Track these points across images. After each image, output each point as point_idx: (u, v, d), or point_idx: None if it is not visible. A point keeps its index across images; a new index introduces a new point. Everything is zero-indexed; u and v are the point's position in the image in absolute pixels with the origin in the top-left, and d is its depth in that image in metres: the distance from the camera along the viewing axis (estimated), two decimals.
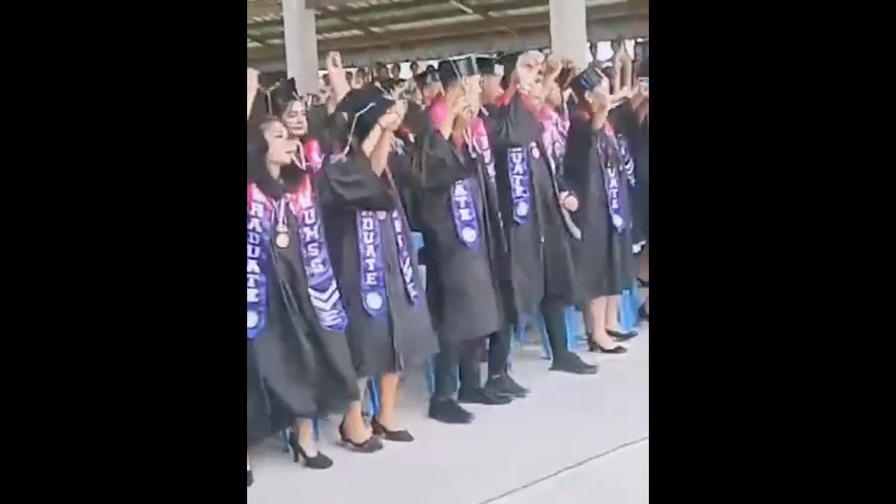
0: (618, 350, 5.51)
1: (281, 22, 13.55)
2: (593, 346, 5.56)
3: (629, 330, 5.80)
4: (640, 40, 12.15)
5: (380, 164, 4.16)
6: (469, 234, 4.55)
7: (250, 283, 3.76)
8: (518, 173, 4.96)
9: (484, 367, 4.94)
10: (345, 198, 4.03)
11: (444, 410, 4.63)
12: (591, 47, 12.00)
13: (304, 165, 4.10)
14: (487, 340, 4.94)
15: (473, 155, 4.61)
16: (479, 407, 4.70)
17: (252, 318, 3.77)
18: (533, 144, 5.03)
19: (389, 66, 14.38)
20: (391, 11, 14.66)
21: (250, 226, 3.79)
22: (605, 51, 12.50)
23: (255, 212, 3.82)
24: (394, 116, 4.13)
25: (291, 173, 3.96)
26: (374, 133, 4.10)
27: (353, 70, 15.34)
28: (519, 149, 4.95)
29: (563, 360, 5.26)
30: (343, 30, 15.41)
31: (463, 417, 4.59)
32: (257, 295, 3.80)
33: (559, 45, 10.63)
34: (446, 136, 4.47)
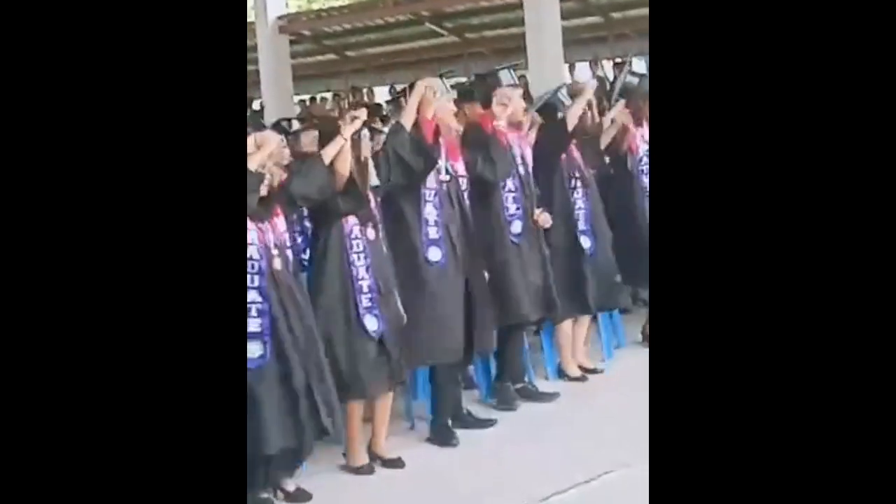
0: (582, 378, 5.40)
1: (255, 48, 13.43)
2: (560, 372, 5.46)
3: (608, 356, 5.75)
4: (617, 60, 12.15)
5: (344, 170, 4.11)
6: (434, 254, 4.45)
7: (252, 312, 3.65)
8: (511, 190, 4.92)
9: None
10: (294, 194, 4.00)
11: (435, 434, 4.59)
12: (569, 68, 11.98)
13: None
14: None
15: (447, 177, 4.54)
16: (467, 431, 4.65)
17: (256, 349, 3.65)
18: (519, 162, 5.00)
19: (365, 90, 14.31)
20: (366, 35, 14.59)
21: (248, 254, 3.67)
22: (583, 71, 12.48)
23: (250, 239, 3.70)
24: (356, 124, 4.11)
25: (264, 202, 3.86)
26: (336, 141, 4.08)
27: (329, 95, 15.31)
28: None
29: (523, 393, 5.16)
30: (318, 54, 15.32)
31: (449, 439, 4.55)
32: (260, 325, 3.68)
33: (536, 67, 10.59)
34: (408, 130, 4.38)
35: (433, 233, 4.46)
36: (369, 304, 4.11)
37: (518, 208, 4.92)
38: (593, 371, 5.54)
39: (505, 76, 4.90)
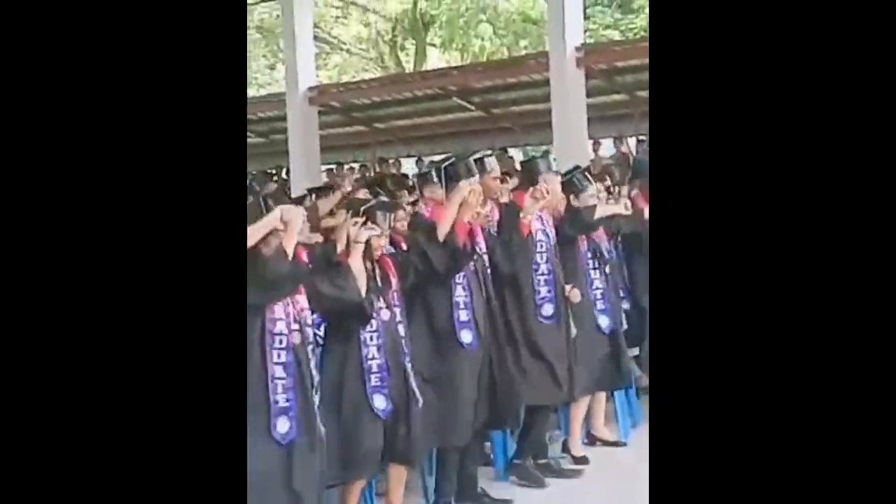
0: (583, 460, 5.37)
1: (284, 118, 13.66)
2: (566, 450, 5.46)
3: (624, 435, 5.72)
4: (641, 138, 12.23)
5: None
6: (466, 336, 4.49)
7: (279, 388, 3.59)
8: (543, 273, 4.94)
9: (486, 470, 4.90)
10: (324, 307, 3.99)
11: None
12: (593, 144, 12.06)
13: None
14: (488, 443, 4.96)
15: (475, 257, 4.57)
16: None
17: (283, 425, 3.59)
18: (554, 244, 5.03)
19: (391, 161, 14.47)
20: (394, 108, 14.78)
21: (275, 329, 3.64)
22: (608, 147, 12.56)
23: (277, 313, 3.65)
24: (374, 231, 4.10)
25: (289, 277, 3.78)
26: (355, 250, 4.05)
27: (356, 165, 15.49)
28: (542, 248, 4.96)
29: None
30: (346, 125, 15.53)
31: None
32: (287, 399, 3.61)
33: (561, 142, 10.69)
34: (442, 238, 4.40)
35: (464, 315, 4.51)
36: (378, 382, 4.10)
37: (549, 291, 4.95)
38: (615, 444, 5.58)
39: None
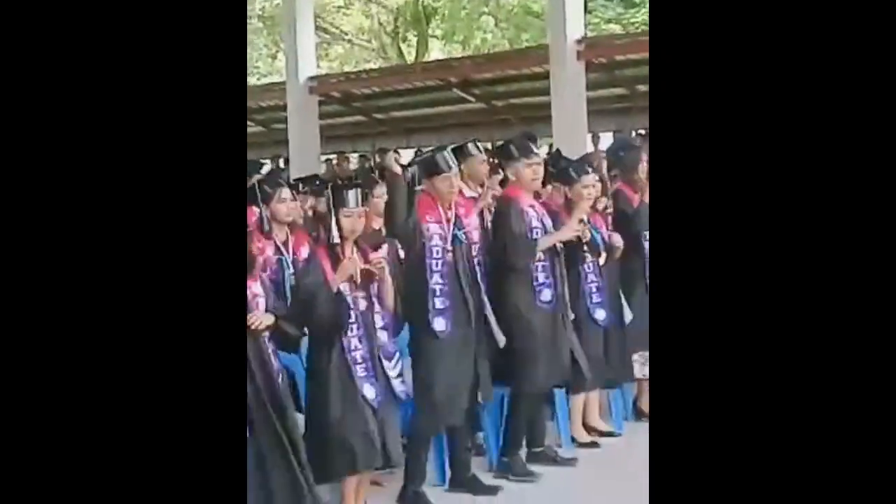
0: (593, 445, 5.41)
1: (284, 107, 13.64)
2: (571, 438, 5.46)
3: (618, 427, 5.70)
4: (641, 132, 12.23)
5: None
6: (439, 324, 4.46)
7: None
8: (540, 260, 4.86)
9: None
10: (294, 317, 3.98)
11: (412, 502, 4.50)
12: (593, 138, 12.06)
13: (290, 258, 4.13)
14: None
15: (451, 246, 4.53)
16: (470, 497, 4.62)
17: None
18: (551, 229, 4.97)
19: (391, 152, 14.45)
20: (394, 99, 14.77)
21: None
22: (607, 141, 12.56)
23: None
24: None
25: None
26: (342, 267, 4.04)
27: (355, 156, 15.49)
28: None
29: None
30: (346, 116, 15.51)
31: None
32: None
33: (560, 135, 10.69)
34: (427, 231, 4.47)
35: (440, 303, 4.48)
36: (364, 373, 4.05)
37: (547, 277, 4.88)
38: (609, 434, 5.56)
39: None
